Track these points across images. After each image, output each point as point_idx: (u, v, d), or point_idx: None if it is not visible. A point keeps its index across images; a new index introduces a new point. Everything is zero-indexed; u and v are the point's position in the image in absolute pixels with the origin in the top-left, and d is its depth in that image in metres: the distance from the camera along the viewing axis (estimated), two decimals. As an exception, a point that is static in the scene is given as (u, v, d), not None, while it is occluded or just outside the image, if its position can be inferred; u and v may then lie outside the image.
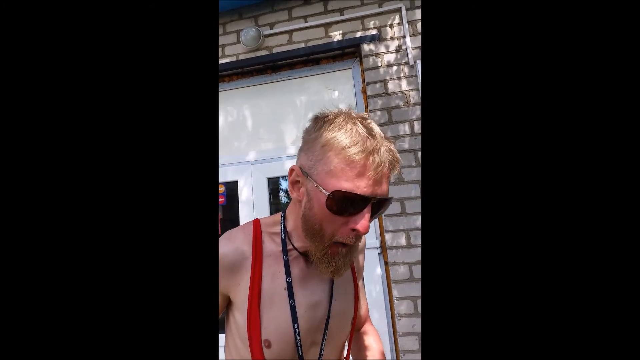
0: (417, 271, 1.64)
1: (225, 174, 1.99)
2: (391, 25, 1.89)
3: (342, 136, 0.48)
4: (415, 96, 1.79)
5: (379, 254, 1.77)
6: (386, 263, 1.72)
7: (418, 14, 1.87)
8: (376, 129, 0.51)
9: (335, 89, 2.00)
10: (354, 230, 0.49)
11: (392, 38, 1.87)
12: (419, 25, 1.86)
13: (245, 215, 1.92)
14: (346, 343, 0.65)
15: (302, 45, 1.96)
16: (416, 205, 1.69)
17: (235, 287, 0.55)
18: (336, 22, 1.94)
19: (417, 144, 1.75)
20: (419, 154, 1.74)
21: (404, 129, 1.77)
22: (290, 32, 1.99)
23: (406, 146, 1.76)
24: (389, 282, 1.71)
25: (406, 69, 1.82)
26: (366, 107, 1.89)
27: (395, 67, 1.84)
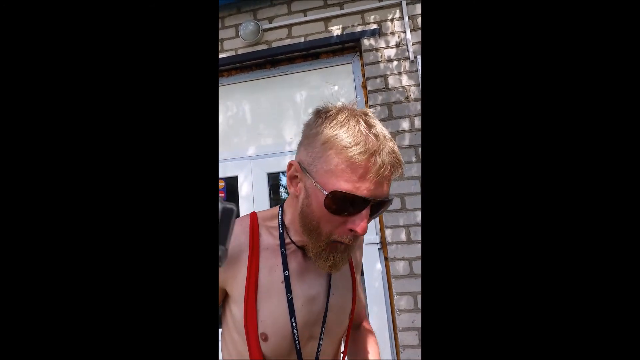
0: (417, 267, 1.64)
1: (225, 170, 1.98)
2: (392, 20, 1.87)
3: (344, 135, 0.47)
4: (415, 91, 1.78)
5: (379, 249, 1.77)
6: (386, 259, 1.73)
7: (419, 8, 1.86)
8: (379, 127, 0.49)
9: (335, 84, 1.99)
10: (351, 230, 0.48)
11: (392, 33, 1.86)
12: (419, 20, 1.85)
13: (245, 211, 1.92)
14: (344, 337, 0.65)
15: (302, 39, 1.95)
16: (416, 201, 1.69)
17: (232, 280, 0.55)
18: (336, 17, 1.93)
19: (417, 139, 1.74)
20: (419, 149, 1.73)
21: (404, 124, 1.77)
22: (289, 26, 1.97)
23: (406, 142, 1.75)
24: (389, 277, 1.71)
25: (407, 64, 1.81)
26: (366, 102, 1.88)
27: (395, 62, 1.83)
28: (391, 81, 1.81)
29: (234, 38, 2.03)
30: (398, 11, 1.87)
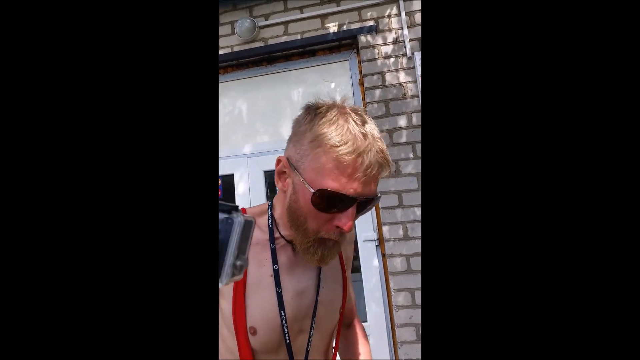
0: (414, 263, 1.64)
1: (221, 167, 1.98)
2: (389, 16, 1.87)
3: (333, 133, 0.47)
4: (412, 88, 1.78)
5: (376, 246, 1.77)
6: (383, 255, 1.73)
7: (416, 5, 1.85)
8: (369, 126, 0.49)
9: (332, 81, 1.98)
10: (338, 227, 0.49)
11: (389, 29, 1.85)
12: (416, 17, 1.84)
13: (242, 209, 1.92)
14: (335, 333, 0.65)
15: (298, 36, 1.94)
16: (413, 198, 1.69)
17: None
18: (332, 13, 1.92)
19: (415, 136, 1.74)
20: (417, 146, 1.73)
21: (402, 121, 1.76)
22: (285, 23, 1.97)
23: (404, 139, 1.75)
24: (386, 274, 1.71)
25: (404, 61, 1.80)
26: (363, 99, 1.88)
27: (392, 59, 1.82)
28: (388, 78, 1.81)
29: (230, 35, 2.03)
30: (395, 8, 1.86)
